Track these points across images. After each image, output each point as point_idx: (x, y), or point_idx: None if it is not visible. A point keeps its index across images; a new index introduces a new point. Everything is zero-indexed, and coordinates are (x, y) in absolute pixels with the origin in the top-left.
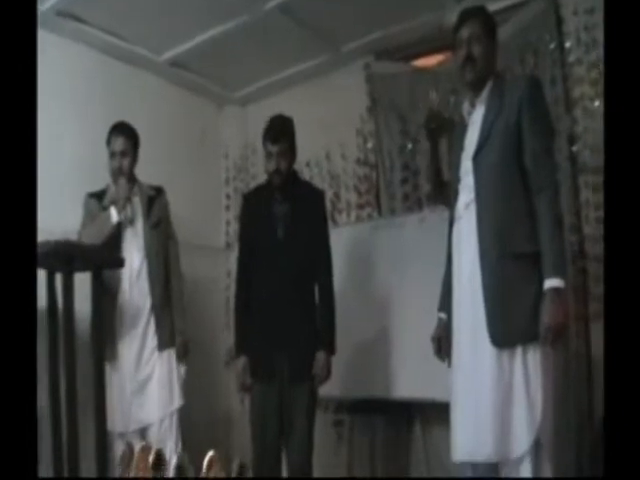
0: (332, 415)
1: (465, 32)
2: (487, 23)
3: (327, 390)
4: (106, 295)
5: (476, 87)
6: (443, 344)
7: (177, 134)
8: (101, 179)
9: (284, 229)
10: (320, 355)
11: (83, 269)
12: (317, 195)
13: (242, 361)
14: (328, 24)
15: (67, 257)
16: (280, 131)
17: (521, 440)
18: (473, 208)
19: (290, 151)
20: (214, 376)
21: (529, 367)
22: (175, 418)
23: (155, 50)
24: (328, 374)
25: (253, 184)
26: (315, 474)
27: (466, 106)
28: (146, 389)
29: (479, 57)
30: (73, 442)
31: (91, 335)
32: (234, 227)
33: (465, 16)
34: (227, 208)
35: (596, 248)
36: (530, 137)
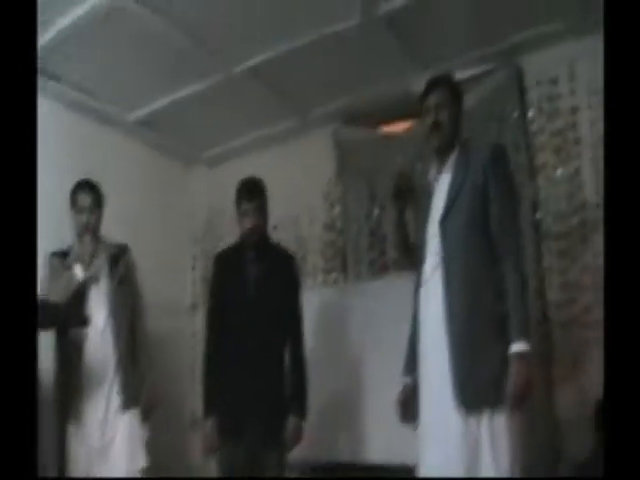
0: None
1: (432, 99)
2: (453, 91)
3: (294, 453)
4: (70, 353)
5: (443, 153)
6: (409, 408)
7: (144, 193)
8: (63, 235)
9: (256, 290)
10: (291, 420)
11: (47, 327)
12: (289, 258)
13: (210, 423)
14: (296, 89)
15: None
16: (255, 188)
17: None
18: (440, 272)
19: (264, 209)
20: (179, 437)
21: (496, 429)
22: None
23: (125, 108)
24: (299, 438)
25: (220, 245)
26: None
27: (433, 172)
28: (110, 450)
29: (445, 124)
30: None
31: (54, 395)
32: (200, 288)
33: (432, 84)
34: (193, 268)
35: (560, 314)
36: (496, 203)
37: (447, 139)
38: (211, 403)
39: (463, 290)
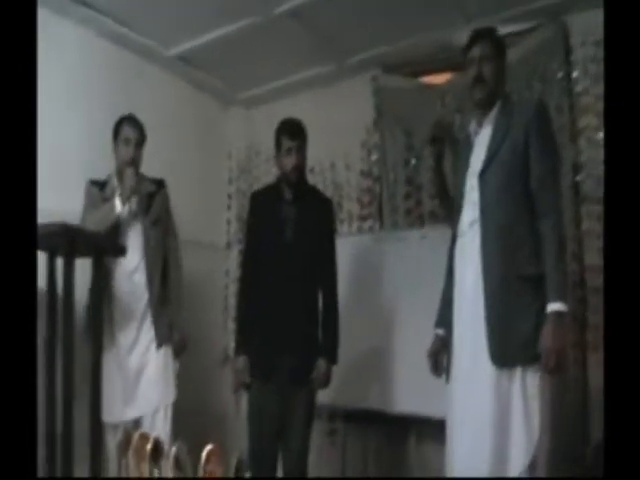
0: (326, 423)
1: (476, 52)
2: (498, 44)
3: (321, 398)
4: (104, 285)
5: (484, 107)
6: (440, 360)
7: (180, 130)
8: (102, 167)
9: (293, 232)
10: (321, 362)
11: (84, 254)
12: (326, 202)
13: (242, 360)
14: (338, 33)
15: (69, 240)
16: (297, 127)
17: (518, 460)
18: (477, 226)
19: (304, 149)
20: (209, 374)
21: (527, 388)
22: (169, 411)
23: (164, 43)
24: (327, 382)
25: (256, 185)
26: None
27: (473, 125)
28: (140, 381)
29: (489, 77)
30: (68, 429)
31: (89, 322)
32: (235, 227)
33: (476, 36)
34: (229, 208)
35: (596, 279)
36: (537, 161)
37: (490, 93)
38: (244, 341)
39: (501, 246)
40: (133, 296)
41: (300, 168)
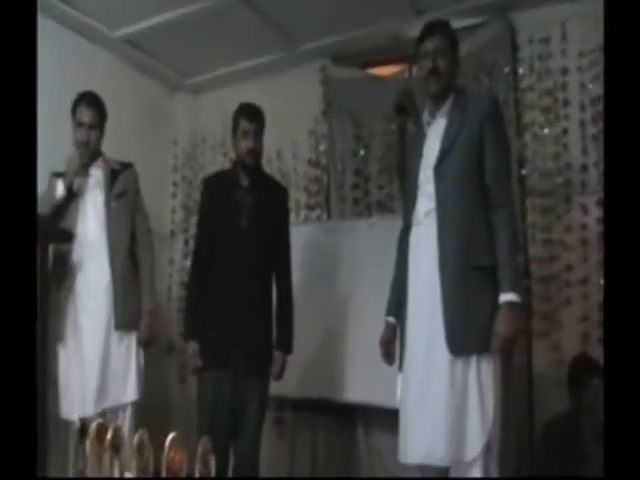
0: (274, 412)
1: (430, 44)
2: (451, 37)
3: (275, 386)
4: (59, 269)
5: (438, 99)
6: (391, 348)
7: (125, 115)
8: (52, 152)
9: (248, 219)
10: (277, 355)
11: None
12: (282, 190)
13: (192, 346)
14: (288, 21)
15: None
16: (257, 111)
17: (474, 444)
18: (433, 217)
19: (262, 133)
20: (154, 363)
21: (482, 375)
22: (129, 410)
23: (109, 25)
24: (282, 373)
25: (201, 173)
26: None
27: (426, 116)
28: (100, 373)
29: (444, 70)
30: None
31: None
32: (179, 215)
33: (430, 29)
34: (173, 195)
35: (540, 269)
36: (491, 155)
37: (444, 85)
38: (194, 327)
39: (457, 237)
40: (93, 277)
41: (257, 152)
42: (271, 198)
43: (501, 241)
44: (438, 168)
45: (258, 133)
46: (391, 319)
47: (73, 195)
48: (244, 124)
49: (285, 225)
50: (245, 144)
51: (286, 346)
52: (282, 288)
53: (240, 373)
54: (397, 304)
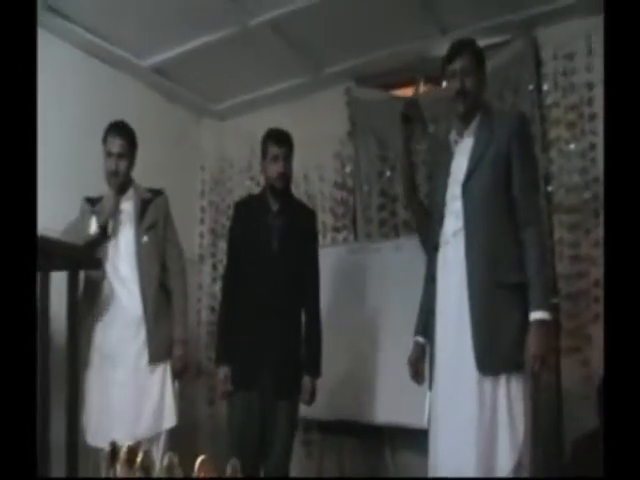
0: (302, 434)
1: (457, 64)
2: (478, 56)
3: (305, 408)
4: (89, 297)
5: (465, 119)
6: (420, 368)
7: (153, 142)
8: (83, 179)
9: (279, 242)
10: (306, 380)
11: (61, 268)
12: (310, 213)
13: (223, 371)
14: (312, 45)
15: (45, 253)
16: (285, 135)
17: (505, 462)
18: (461, 236)
19: (291, 157)
20: (183, 388)
21: (512, 393)
22: (163, 440)
23: (138, 55)
24: (313, 398)
25: (229, 198)
26: None
27: (453, 135)
28: (133, 403)
29: (471, 90)
30: (44, 446)
31: (67, 337)
32: (207, 240)
33: (457, 48)
34: (201, 221)
35: (568, 286)
36: (519, 171)
37: (471, 105)
38: (225, 351)
39: (485, 256)
40: (127, 307)
41: (286, 176)
42: (300, 222)
43: (530, 259)
44: (466, 185)
45: (287, 157)
46: (420, 338)
47: (106, 234)
48: (273, 149)
49: (314, 248)
50: (275, 168)
51: (315, 371)
52: (311, 311)
53: (268, 396)
54: (426, 324)
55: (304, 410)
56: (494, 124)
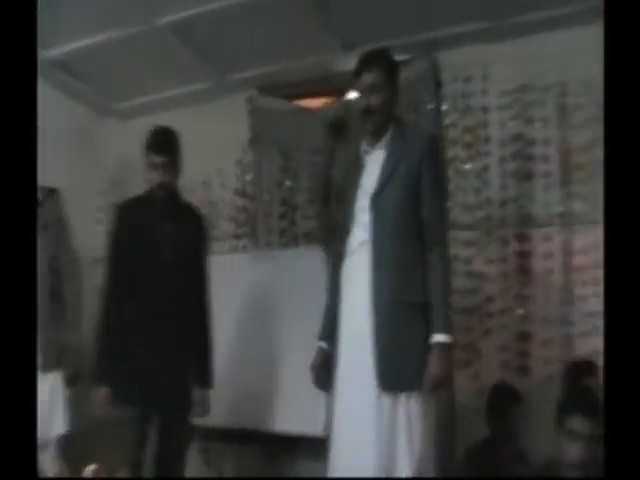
0: (200, 442)
1: (366, 79)
2: (390, 68)
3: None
4: None
5: (376, 132)
6: (323, 373)
7: (52, 139)
8: None
9: (166, 251)
10: (198, 391)
11: None
12: (200, 219)
13: (103, 392)
14: (217, 51)
15: None
16: (165, 142)
17: (402, 474)
18: (367, 248)
19: (175, 165)
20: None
21: (411, 411)
22: (52, 449)
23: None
24: (207, 408)
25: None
26: None
27: (364, 146)
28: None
29: (378, 109)
30: None
31: None
32: (104, 241)
33: (365, 62)
34: (99, 221)
35: (462, 300)
36: (429, 192)
37: (380, 122)
38: (104, 371)
39: (391, 272)
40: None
41: (166, 186)
42: (189, 228)
43: (435, 280)
44: (376, 198)
45: (168, 165)
46: (323, 344)
47: None
48: (151, 156)
49: (203, 256)
50: (152, 177)
51: (206, 380)
52: (201, 323)
53: (160, 410)
54: (329, 330)
55: (204, 418)
56: (407, 138)
